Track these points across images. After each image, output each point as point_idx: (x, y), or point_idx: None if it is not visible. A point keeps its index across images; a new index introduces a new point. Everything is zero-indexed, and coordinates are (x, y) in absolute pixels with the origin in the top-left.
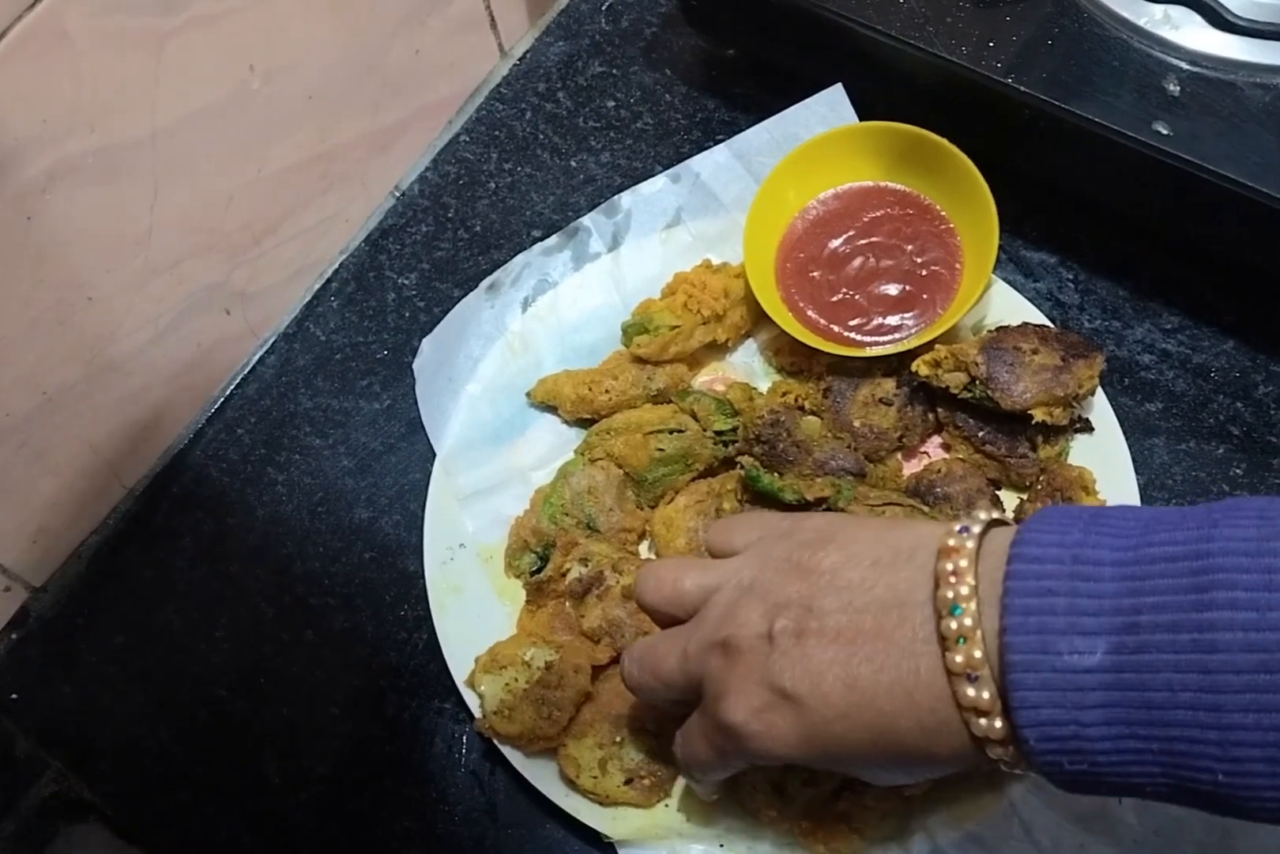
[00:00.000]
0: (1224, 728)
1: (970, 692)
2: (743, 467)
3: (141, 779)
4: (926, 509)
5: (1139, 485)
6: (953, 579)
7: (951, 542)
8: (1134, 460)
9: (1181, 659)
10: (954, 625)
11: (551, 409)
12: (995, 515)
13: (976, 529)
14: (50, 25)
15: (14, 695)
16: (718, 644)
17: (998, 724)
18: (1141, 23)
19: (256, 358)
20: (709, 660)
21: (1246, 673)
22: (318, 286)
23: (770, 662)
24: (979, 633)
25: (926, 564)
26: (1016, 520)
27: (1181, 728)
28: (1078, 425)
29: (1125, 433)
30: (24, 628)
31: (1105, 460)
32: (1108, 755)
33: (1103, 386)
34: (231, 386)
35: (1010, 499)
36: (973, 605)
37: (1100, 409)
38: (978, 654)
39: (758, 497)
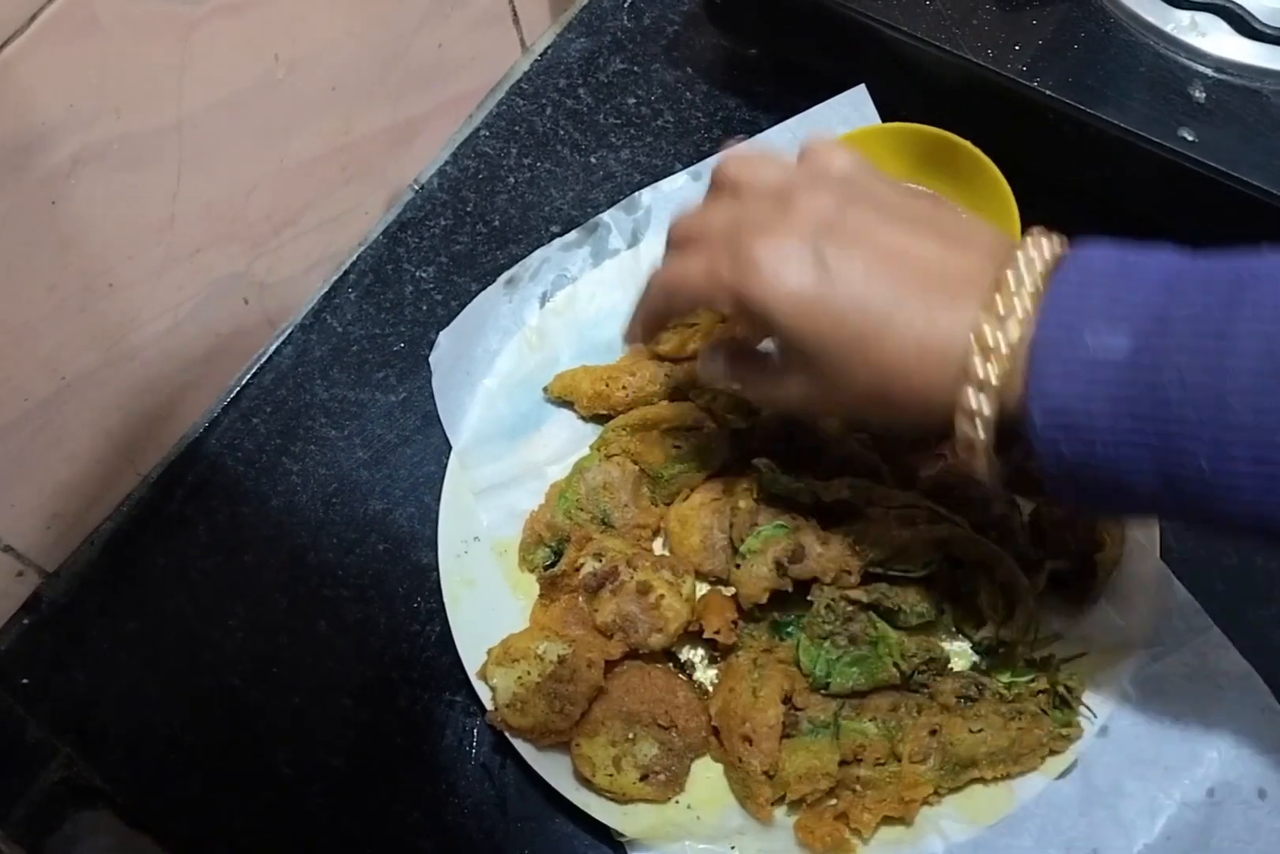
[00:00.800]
0: (1221, 420)
1: (980, 364)
2: (759, 468)
3: (151, 767)
4: (944, 511)
5: None
6: (1023, 268)
7: (1033, 242)
8: None
9: (1199, 358)
10: (1002, 302)
11: (568, 404)
12: (1061, 240)
13: (1057, 242)
14: (80, 10)
15: (25, 680)
16: (779, 199)
17: (987, 405)
18: (1168, 29)
19: (274, 348)
20: (756, 207)
21: (1256, 376)
22: (336, 278)
23: (824, 230)
24: (1017, 321)
25: (995, 253)
26: (1033, 524)
27: (1182, 417)
28: None
29: None
30: (37, 613)
31: None
32: (1106, 444)
33: None
34: (248, 376)
35: (1027, 503)
36: (1027, 296)
37: None
38: (1004, 341)
39: (774, 497)
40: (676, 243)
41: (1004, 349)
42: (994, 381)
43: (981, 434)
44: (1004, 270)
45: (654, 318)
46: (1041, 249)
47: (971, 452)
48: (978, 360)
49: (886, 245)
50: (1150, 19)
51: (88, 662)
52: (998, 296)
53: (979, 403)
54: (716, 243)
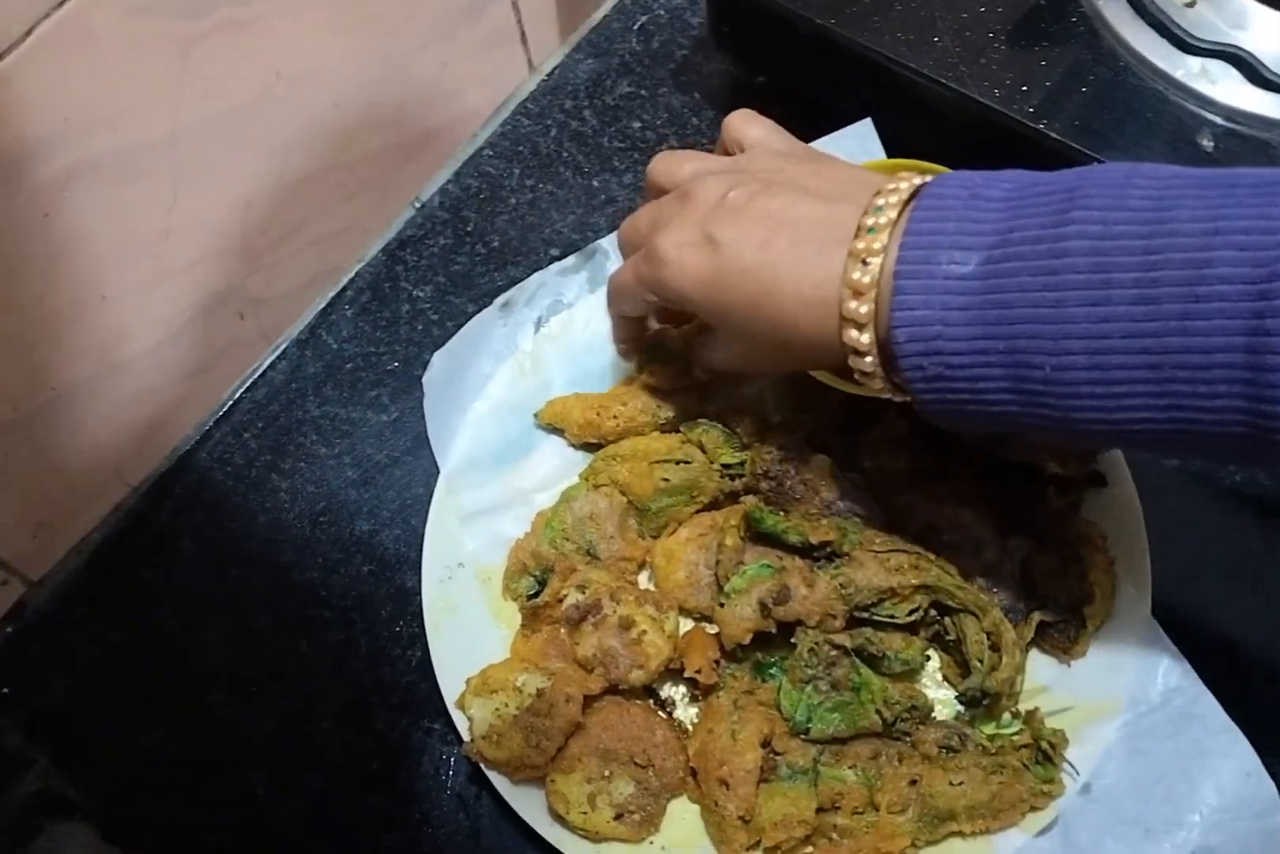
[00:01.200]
0: (1059, 322)
1: (852, 304)
2: (746, 506)
3: (128, 781)
4: (933, 556)
5: (1150, 544)
6: (878, 211)
7: (890, 185)
8: (1146, 518)
9: (1035, 265)
10: (861, 245)
11: (558, 432)
12: (920, 180)
13: (916, 180)
14: (77, 24)
15: (5, 689)
16: (681, 194)
17: (865, 338)
18: (1178, 75)
19: (268, 363)
20: (667, 206)
21: (1085, 273)
22: (333, 294)
23: (713, 213)
24: (878, 260)
25: (864, 202)
26: (1023, 573)
27: (1025, 324)
28: (1091, 479)
29: (1140, 490)
30: (20, 621)
31: (1117, 517)
32: (961, 356)
33: None
34: (241, 390)
35: (1018, 551)
36: (884, 235)
37: (1115, 463)
38: (868, 279)
39: (761, 535)
40: (620, 247)
41: (868, 286)
42: (863, 318)
43: (869, 365)
44: (864, 216)
45: (620, 323)
46: (899, 189)
47: (871, 380)
48: (850, 301)
49: (768, 214)
50: (1160, 65)
51: (69, 672)
52: (858, 241)
53: (859, 338)
54: (640, 246)
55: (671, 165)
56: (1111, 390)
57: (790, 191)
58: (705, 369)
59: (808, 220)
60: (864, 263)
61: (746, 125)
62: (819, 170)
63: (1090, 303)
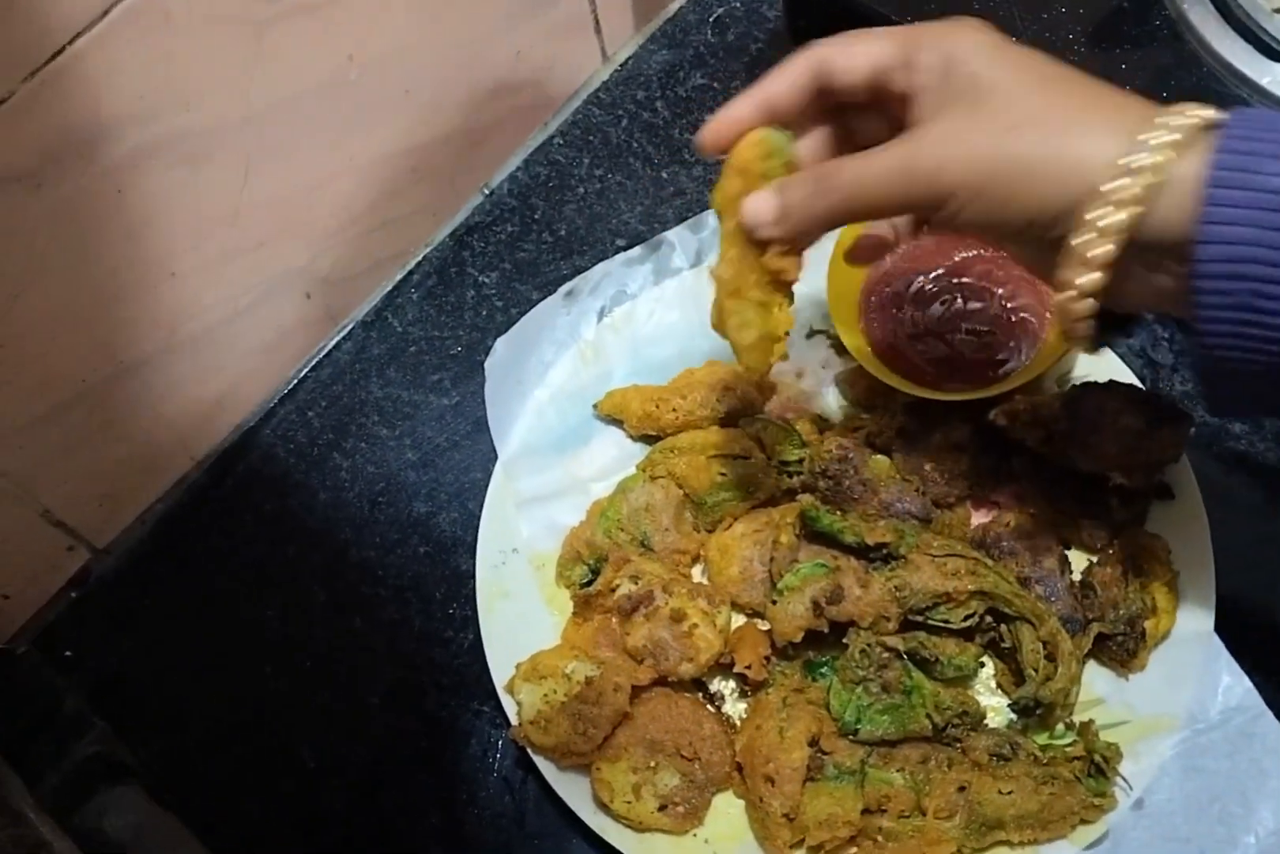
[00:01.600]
0: None
1: (1125, 181)
2: (803, 505)
3: (182, 748)
4: (991, 563)
5: (1215, 559)
6: (1171, 115)
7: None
8: (1213, 533)
9: None
10: (1148, 136)
11: (617, 422)
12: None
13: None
14: (153, 5)
15: (68, 653)
16: None
17: (1119, 216)
18: (1264, 82)
19: (333, 343)
20: None
21: None
22: (399, 278)
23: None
24: (1163, 156)
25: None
26: (1083, 583)
27: None
28: (1158, 491)
29: (1207, 504)
30: (84, 587)
31: (1182, 530)
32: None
33: (1188, 453)
34: (306, 369)
35: (1079, 560)
36: (1178, 135)
37: (1183, 476)
38: (1149, 163)
39: (816, 534)
40: None
41: (1143, 171)
42: (1128, 201)
43: (1111, 245)
44: (1159, 115)
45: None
46: (1187, 113)
47: (1085, 263)
48: (1122, 177)
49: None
50: (1246, 71)
51: (129, 639)
52: (1146, 131)
53: (1112, 218)
54: None
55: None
56: None
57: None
58: (861, 187)
59: (1105, 89)
60: (1148, 149)
61: None
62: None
63: None
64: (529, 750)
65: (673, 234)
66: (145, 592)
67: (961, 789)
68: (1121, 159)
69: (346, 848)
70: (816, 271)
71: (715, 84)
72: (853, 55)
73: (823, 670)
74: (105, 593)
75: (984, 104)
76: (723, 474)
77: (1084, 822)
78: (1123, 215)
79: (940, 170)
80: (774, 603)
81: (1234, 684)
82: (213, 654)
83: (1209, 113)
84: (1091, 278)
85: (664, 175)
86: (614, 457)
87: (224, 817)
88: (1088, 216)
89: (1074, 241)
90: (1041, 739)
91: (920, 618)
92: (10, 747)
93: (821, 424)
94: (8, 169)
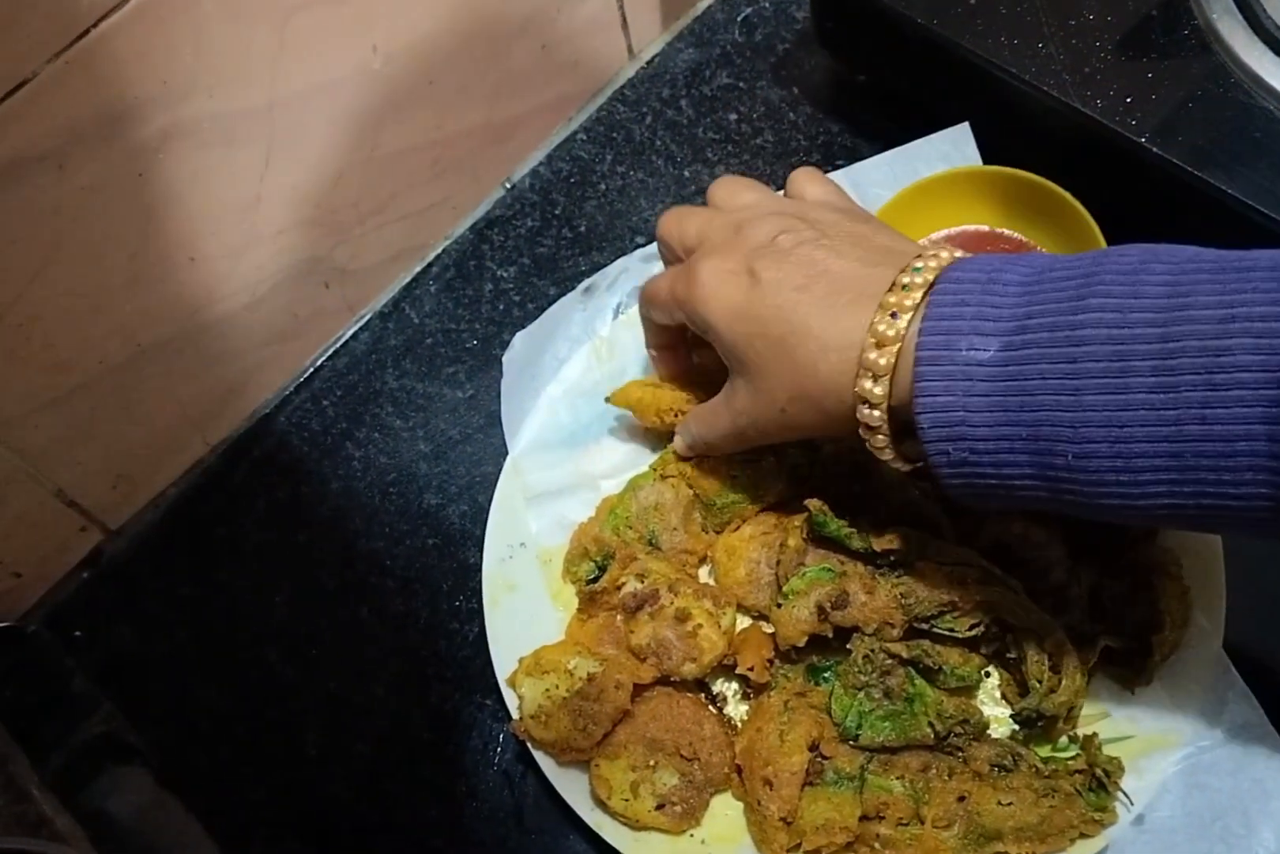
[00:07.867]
0: (1079, 409)
1: (873, 354)
2: (811, 509)
3: (187, 731)
4: (999, 573)
5: (1227, 576)
6: (915, 271)
7: (931, 251)
8: (1225, 550)
9: (1054, 352)
10: (893, 299)
11: (630, 419)
12: (959, 254)
13: (958, 253)
14: None
15: (78, 633)
16: (735, 223)
17: (879, 390)
18: None
19: (350, 333)
20: (719, 230)
21: (1104, 361)
22: (418, 269)
23: (761, 250)
24: (906, 317)
25: (903, 265)
26: (1092, 596)
27: (1046, 412)
28: None
29: None
30: (96, 568)
31: (1194, 546)
32: (985, 441)
33: None
34: (322, 358)
35: (1089, 573)
36: (917, 294)
37: None
38: (893, 332)
39: (823, 538)
40: (659, 242)
41: (891, 339)
42: (882, 369)
43: (876, 420)
44: (900, 274)
45: (649, 328)
46: (939, 257)
47: (873, 435)
48: (871, 351)
49: (811, 262)
50: (1274, 83)
51: (138, 621)
52: (890, 295)
53: (871, 389)
54: (678, 253)
55: (736, 188)
56: (1135, 478)
57: (838, 245)
58: (726, 443)
59: (847, 274)
60: (892, 316)
61: (809, 182)
62: (870, 234)
63: (1109, 391)
64: (529, 745)
65: None
66: (156, 575)
67: (961, 799)
68: (870, 332)
69: (345, 835)
70: None
71: (741, 83)
72: (655, 320)
73: (825, 675)
74: (116, 574)
75: (750, 371)
76: (734, 476)
77: (1083, 836)
78: (881, 387)
79: (755, 424)
80: (779, 606)
81: (1240, 702)
82: (221, 639)
83: (929, 275)
84: (880, 439)
85: (686, 174)
86: (625, 454)
87: (226, 800)
88: (856, 389)
89: (858, 416)
90: (1044, 751)
91: (925, 626)
92: (18, 724)
93: None
94: (30, 149)
